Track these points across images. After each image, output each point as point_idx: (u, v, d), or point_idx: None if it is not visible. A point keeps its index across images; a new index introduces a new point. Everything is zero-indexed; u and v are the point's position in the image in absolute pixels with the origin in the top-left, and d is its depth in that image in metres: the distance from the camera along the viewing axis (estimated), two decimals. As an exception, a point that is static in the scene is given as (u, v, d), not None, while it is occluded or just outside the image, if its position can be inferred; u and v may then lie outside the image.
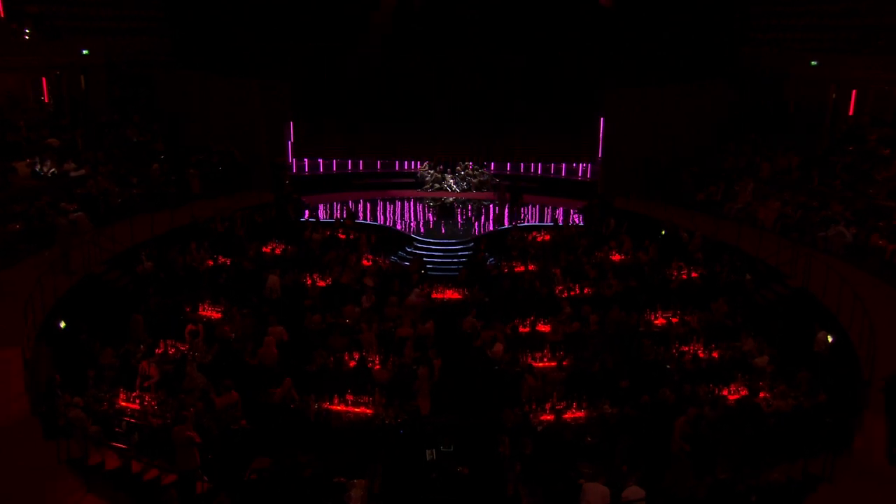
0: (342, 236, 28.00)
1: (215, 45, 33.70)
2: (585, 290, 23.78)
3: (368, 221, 31.54)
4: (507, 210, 32.51)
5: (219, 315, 21.32)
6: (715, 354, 19.75)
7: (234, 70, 33.32)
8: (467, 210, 34.50)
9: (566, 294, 23.50)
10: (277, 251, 26.39)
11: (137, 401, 16.69)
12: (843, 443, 15.10)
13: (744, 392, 17.68)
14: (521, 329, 21.28)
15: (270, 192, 32.04)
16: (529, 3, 33.55)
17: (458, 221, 33.00)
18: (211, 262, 24.63)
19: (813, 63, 33.34)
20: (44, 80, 34.46)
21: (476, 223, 32.78)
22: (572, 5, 33.52)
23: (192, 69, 34.04)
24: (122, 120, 34.54)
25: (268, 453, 15.28)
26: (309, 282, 23.93)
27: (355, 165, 38.00)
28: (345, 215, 30.71)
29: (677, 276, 24.44)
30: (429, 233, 30.93)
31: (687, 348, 19.93)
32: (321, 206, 33.47)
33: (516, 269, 25.25)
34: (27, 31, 33.91)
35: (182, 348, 19.39)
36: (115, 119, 34.50)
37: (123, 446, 15.16)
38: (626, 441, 15.05)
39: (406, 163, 38.27)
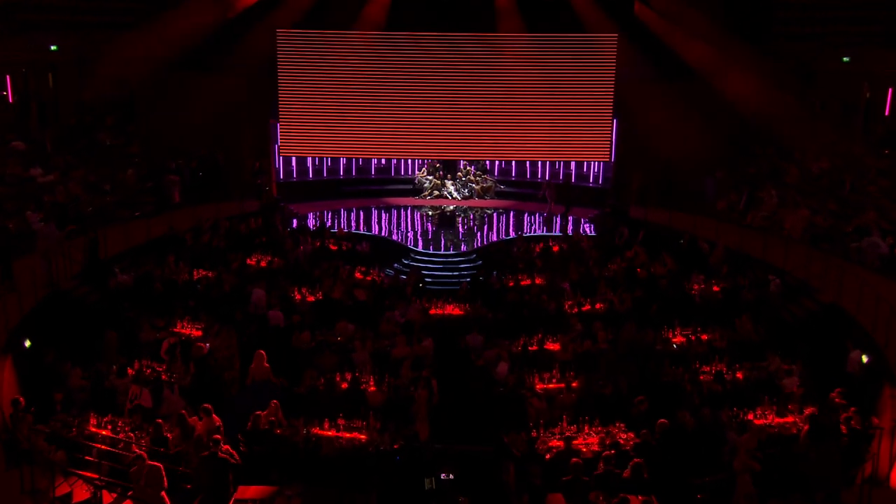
0: (333, 248, 28.03)
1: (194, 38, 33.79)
2: (597, 306, 23.78)
3: (363, 231, 31.56)
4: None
5: (199, 332, 21.31)
6: (739, 375, 19.71)
7: (215, 67, 33.38)
8: (469, 219, 34.55)
9: (576, 310, 23.50)
10: (263, 263, 26.41)
11: (109, 426, 16.64)
12: (880, 472, 15.05)
13: (771, 416, 17.66)
14: (530, 348, 21.24)
15: (256, 200, 32.15)
16: None
17: (458, 231, 33.03)
18: (187, 276, 24.65)
19: (844, 59, 33.41)
20: (8, 77, 34.51)
21: (479, 233, 32.83)
22: None
23: (169, 66, 34.09)
24: (95, 122, 34.57)
25: (252, 482, 15.21)
26: (297, 296, 23.93)
27: (347, 171, 38.07)
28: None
29: (697, 288, 24.43)
30: (427, 244, 31.00)
31: (708, 368, 19.90)
32: (311, 215, 33.53)
33: (522, 283, 25.25)
34: (-11, 24, 34.03)
35: (159, 369, 19.36)
36: (87, 121, 34.53)
37: (94, 475, 15.11)
38: (642, 468, 14.98)
39: (402, 168, 38.37)
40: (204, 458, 14.91)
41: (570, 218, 32.82)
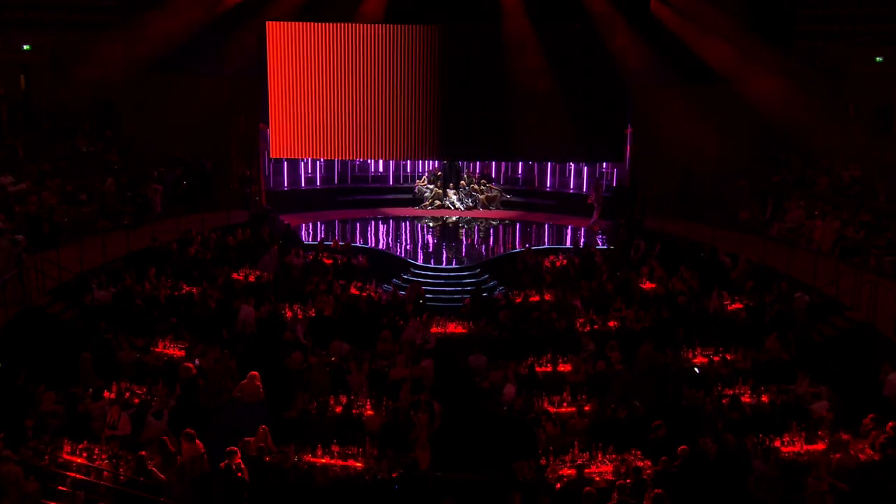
0: (328, 261, 28.00)
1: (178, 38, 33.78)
2: (611, 324, 23.72)
3: (359, 244, 31.50)
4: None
5: (181, 353, 21.22)
6: (764, 398, 19.60)
7: (201, 68, 33.37)
8: (473, 231, 34.50)
9: (588, 328, 23.42)
10: (251, 278, 26.40)
11: (84, 454, 16.54)
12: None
13: (800, 443, 17.54)
14: (538, 368, 21.15)
15: (244, 210, 32.15)
16: None
17: (461, 244, 33.00)
18: (169, 292, 24.62)
19: (877, 59, 33.37)
20: (-24, 79, 34.57)
21: (483, 246, 32.79)
22: None
23: (150, 67, 34.08)
24: (71, 127, 34.56)
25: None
26: (289, 314, 23.88)
27: (343, 179, 38.07)
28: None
29: (718, 304, 24.34)
30: (428, 257, 30.97)
31: (731, 391, 19.80)
32: (302, 227, 33.52)
33: (531, 299, 25.18)
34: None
35: (139, 391, 19.26)
36: (63, 126, 34.52)
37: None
38: (663, 499, 14.87)
39: (401, 177, 38.38)
40: (220, 471, 14.80)
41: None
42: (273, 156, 35.62)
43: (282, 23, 33.72)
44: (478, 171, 37.91)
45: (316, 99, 34.23)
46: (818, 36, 36.19)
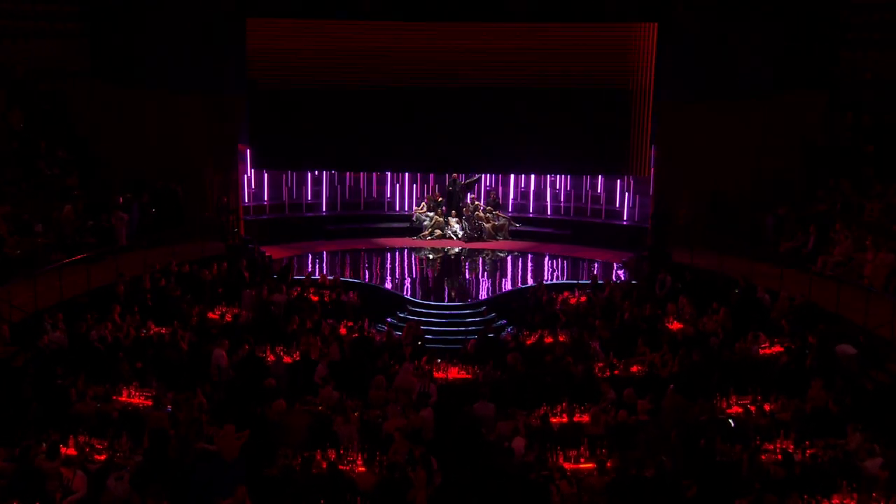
0: (315, 298, 28.01)
1: (146, 51, 33.90)
2: (633, 369, 23.68)
3: (350, 278, 31.52)
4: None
5: (148, 402, 21.14)
6: (810, 454, 19.51)
7: (171, 83, 33.49)
8: (477, 263, 34.49)
9: (608, 373, 23.37)
10: (228, 317, 26.40)
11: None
12: None
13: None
14: (552, 419, 21.07)
15: (220, 241, 32.20)
16: None
17: (465, 278, 32.99)
18: (134, 332, 24.58)
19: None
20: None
21: (489, 281, 32.78)
22: None
23: (116, 82, 34.19)
24: (24, 148, 34.63)
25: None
26: (271, 357, 23.84)
27: (332, 206, 38.19)
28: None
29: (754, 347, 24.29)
30: (427, 293, 30.95)
31: (771, 446, 19.72)
32: (286, 259, 33.52)
33: (544, 341, 25.16)
34: None
35: (99, 446, 19.17)
36: (14, 147, 34.61)
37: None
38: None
39: (397, 203, 38.52)
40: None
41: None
42: (254, 167, 35.63)
43: (266, 19, 33.85)
44: (482, 196, 38.03)
45: (303, 106, 34.41)
46: (866, 44, 36.19)
